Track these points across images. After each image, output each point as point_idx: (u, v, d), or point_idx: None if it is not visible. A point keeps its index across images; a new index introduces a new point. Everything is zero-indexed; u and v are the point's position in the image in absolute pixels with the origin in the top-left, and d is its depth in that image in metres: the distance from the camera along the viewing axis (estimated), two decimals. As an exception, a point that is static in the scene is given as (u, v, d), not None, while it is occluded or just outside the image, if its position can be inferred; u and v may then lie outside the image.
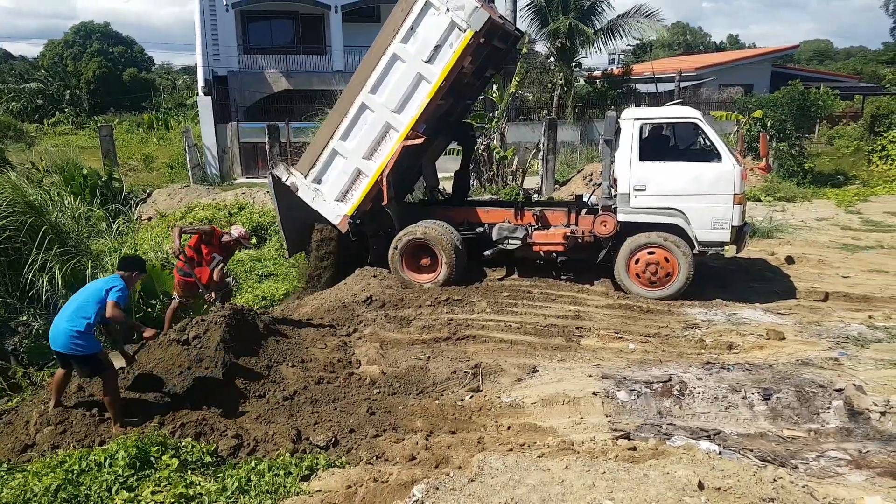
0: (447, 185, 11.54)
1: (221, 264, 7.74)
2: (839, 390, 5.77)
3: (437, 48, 8.50)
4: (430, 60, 8.57)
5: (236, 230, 7.92)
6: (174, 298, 7.83)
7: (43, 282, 7.78)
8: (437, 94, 8.67)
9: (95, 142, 23.07)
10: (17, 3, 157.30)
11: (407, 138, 8.82)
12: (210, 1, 25.05)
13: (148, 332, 5.70)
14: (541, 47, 28.97)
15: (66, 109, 41.63)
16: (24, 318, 7.66)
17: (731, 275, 9.96)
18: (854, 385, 5.82)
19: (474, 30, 8.28)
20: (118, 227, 10.58)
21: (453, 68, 8.52)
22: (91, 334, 5.47)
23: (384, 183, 8.96)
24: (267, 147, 20.26)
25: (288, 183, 9.39)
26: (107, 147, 18.98)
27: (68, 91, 44.46)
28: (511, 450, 5.05)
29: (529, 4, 26.49)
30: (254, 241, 11.78)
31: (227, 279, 9.65)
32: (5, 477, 4.77)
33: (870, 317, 7.98)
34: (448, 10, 8.32)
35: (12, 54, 57.23)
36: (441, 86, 8.59)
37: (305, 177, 9.31)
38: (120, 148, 23.04)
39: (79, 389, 6.03)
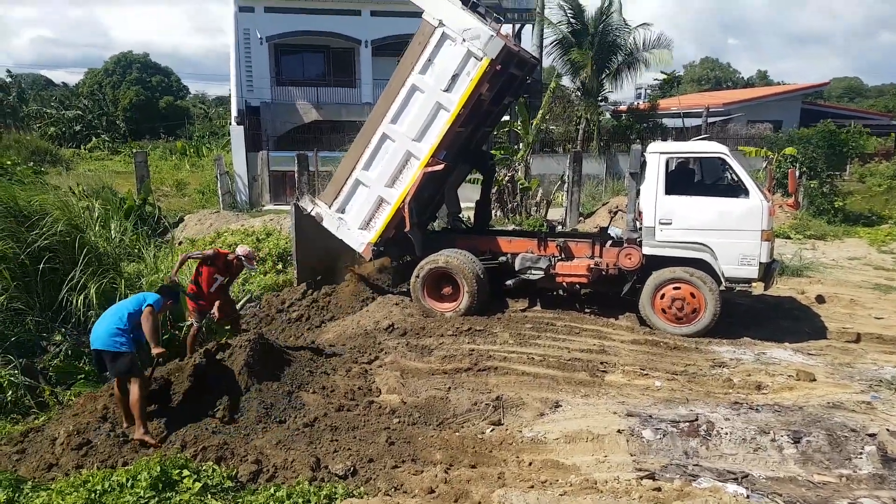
0: (470, 215, 11.59)
1: (222, 284, 7.87)
2: (872, 435, 5.59)
3: (455, 77, 8.66)
4: (448, 89, 8.72)
5: (241, 249, 8.05)
6: (190, 324, 7.97)
7: (77, 301, 7.94)
8: (456, 122, 8.81)
9: (130, 167, 23.68)
10: (57, 33, 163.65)
11: (428, 165, 8.95)
12: (245, 34, 25.79)
13: (156, 350, 5.95)
14: (567, 81, 29.20)
15: (102, 135, 42.83)
16: (58, 337, 7.80)
17: (759, 313, 9.77)
18: (888, 430, 5.64)
19: (490, 58, 8.42)
20: (152, 250, 10.81)
21: (471, 96, 8.66)
22: (130, 334, 5.88)
23: (406, 210, 9.06)
24: (296, 175, 20.59)
25: (313, 213, 9.56)
26: (141, 172, 19.46)
27: (105, 117, 45.81)
28: (532, 487, 4.97)
29: (555, 41, 26.84)
30: (280, 266, 11.91)
31: (247, 304, 9.79)
32: (30, 495, 4.83)
33: (904, 359, 7.77)
34: (464, 40, 8.49)
35: (53, 81, 59.42)
36: (460, 113, 8.73)
37: (330, 207, 9.47)
38: (153, 173, 23.58)
39: (105, 409, 6.11)
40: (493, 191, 15.20)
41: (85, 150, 39.26)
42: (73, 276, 8.13)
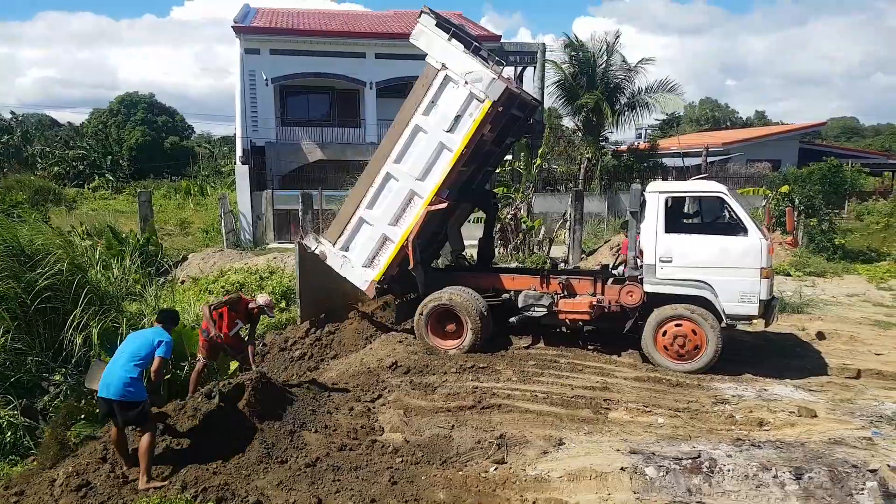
0: (473, 253, 11.69)
1: (240, 328, 7.91)
2: (873, 471, 5.58)
3: (458, 118, 8.86)
4: (450, 130, 8.91)
5: (262, 299, 8.09)
6: (198, 360, 7.95)
7: (78, 342, 7.93)
8: (459, 162, 8.98)
9: (134, 206, 23.89)
10: (63, 73, 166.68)
11: (431, 203, 9.08)
12: (251, 76, 26.28)
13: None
14: (568, 122, 29.70)
15: (106, 174, 43.25)
16: (57, 377, 7.79)
17: (760, 349, 9.78)
18: (889, 466, 5.62)
19: (492, 100, 8.62)
20: (155, 289, 10.85)
21: (473, 136, 8.84)
22: (141, 381, 5.77)
23: (410, 248, 9.16)
24: (300, 214, 20.79)
25: (317, 252, 9.65)
26: (145, 212, 19.66)
27: (110, 157, 46.33)
28: (535, 524, 4.94)
29: (556, 82, 27.37)
30: (283, 304, 11.97)
31: (257, 343, 9.79)
32: (29, 536, 4.79)
33: (906, 396, 7.75)
34: (466, 82, 8.71)
35: (58, 121, 60.26)
36: (462, 153, 8.90)
37: (334, 245, 9.58)
38: (157, 213, 23.81)
39: (104, 450, 6.10)
40: (496, 229, 15.32)
41: (88, 189, 39.58)
42: (74, 315, 8.10)
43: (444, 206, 9.24)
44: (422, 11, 9.05)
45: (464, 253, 11.43)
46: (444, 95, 8.93)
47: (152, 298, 10.35)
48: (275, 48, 26.37)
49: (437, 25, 8.91)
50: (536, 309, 9.38)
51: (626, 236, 10.74)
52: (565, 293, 9.42)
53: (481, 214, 12.42)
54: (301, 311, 10.36)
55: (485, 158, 10.46)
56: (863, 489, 5.44)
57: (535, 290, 9.54)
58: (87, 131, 53.05)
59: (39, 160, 43.96)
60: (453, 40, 8.81)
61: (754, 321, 8.61)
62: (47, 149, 45.38)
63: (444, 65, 8.83)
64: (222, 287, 12.59)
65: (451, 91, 8.88)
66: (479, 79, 8.63)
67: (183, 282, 14.41)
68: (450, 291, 9.37)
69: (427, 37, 8.94)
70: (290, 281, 12.70)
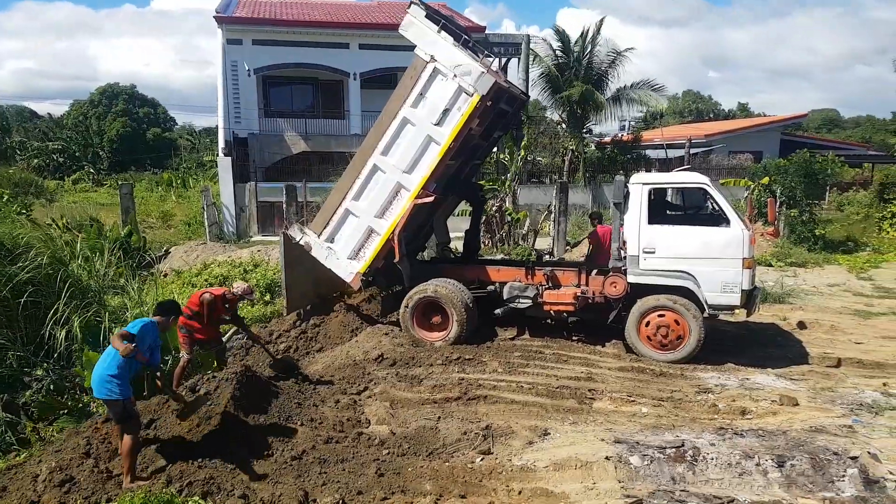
0: (458, 245, 11.69)
1: (223, 318, 7.97)
2: (854, 458, 5.67)
3: (446, 112, 8.83)
4: (439, 123, 8.89)
5: (238, 287, 8.12)
6: (182, 356, 7.92)
7: (60, 336, 7.85)
8: (447, 155, 8.96)
9: (115, 199, 23.63)
10: (42, 65, 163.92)
11: (418, 196, 9.06)
12: (233, 67, 26.02)
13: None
14: (552, 114, 29.77)
15: (87, 167, 42.70)
16: (39, 372, 7.71)
17: (742, 339, 9.89)
18: (869, 453, 5.73)
19: (481, 94, 8.60)
20: (137, 282, 10.75)
21: (461, 130, 8.82)
22: (124, 379, 5.56)
23: (396, 241, 9.13)
24: (284, 206, 20.66)
25: (302, 242, 9.59)
26: (126, 204, 19.42)
27: (90, 149, 45.74)
28: (521, 514, 4.98)
29: (542, 74, 27.40)
30: (267, 297, 11.91)
31: (234, 336, 9.77)
32: (12, 532, 4.74)
33: (884, 384, 7.88)
34: (455, 76, 8.67)
35: (37, 113, 59.32)
36: (450, 146, 8.88)
37: (319, 236, 9.52)
38: (139, 205, 23.51)
39: (88, 445, 6.05)
40: (482, 221, 15.33)
41: (69, 181, 39.06)
42: (56, 309, 8.01)
43: (430, 199, 9.23)
44: (411, 2, 8.98)
45: (449, 245, 11.43)
46: (432, 88, 8.88)
47: (134, 292, 10.24)
48: (257, 38, 26.11)
49: (426, 17, 8.85)
50: (521, 300, 9.41)
51: (594, 227, 10.87)
52: (550, 284, 9.46)
53: (467, 207, 12.41)
54: (287, 303, 10.31)
55: (472, 152, 10.45)
56: (844, 476, 5.53)
57: (520, 281, 9.58)
58: (67, 123, 52.31)
59: (18, 152, 43.30)
60: (443, 32, 8.76)
61: (736, 311, 8.70)
62: (26, 141, 44.66)
63: (432, 57, 8.78)
64: (206, 280, 12.50)
65: (439, 84, 8.83)
66: (468, 72, 8.59)
67: (166, 275, 14.28)
68: (435, 283, 9.36)
69: (416, 28, 8.87)
70: (274, 273, 12.63)
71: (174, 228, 23.80)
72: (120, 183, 22.97)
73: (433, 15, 8.95)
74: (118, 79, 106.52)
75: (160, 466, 5.71)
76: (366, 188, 9.32)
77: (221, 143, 25.79)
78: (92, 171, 42.27)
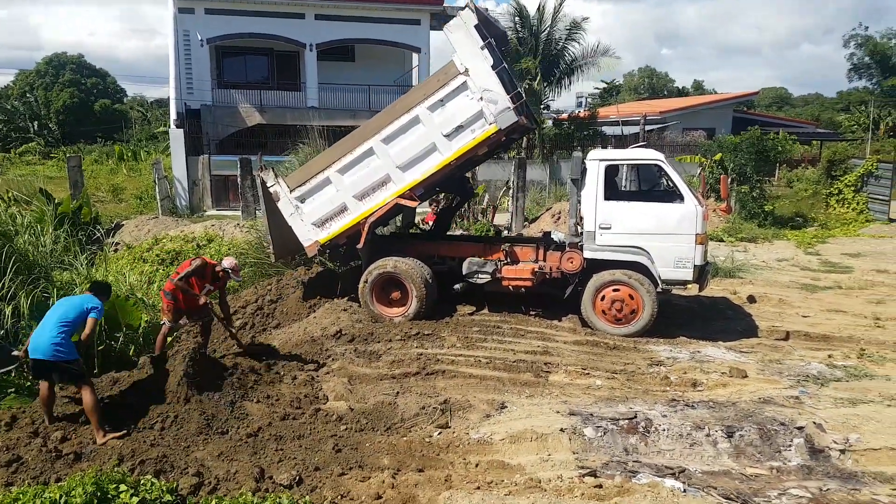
0: (419, 220, 11.64)
1: (210, 291, 7.76)
2: (800, 428, 5.89)
3: (460, 128, 8.65)
4: (449, 136, 8.71)
5: (227, 262, 7.93)
6: (164, 323, 7.78)
7: (7, 312, 7.62)
8: (445, 169, 8.87)
9: (63, 172, 22.74)
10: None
11: (402, 196, 8.96)
12: (185, 36, 25.14)
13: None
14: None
15: (34, 139, 41.03)
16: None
17: (694, 313, 10.14)
18: (814, 423, 5.95)
19: (499, 127, 8.46)
20: (86, 257, 10.43)
21: (468, 151, 8.74)
22: (71, 343, 5.84)
23: (365, 228, 9.04)
24: (239, 180, 20.22)
25: (271, 189, 9.37)
26: (75, 178, 18.73)
27: (37, 120, 43.90)
28: (478, 488, 5.03)
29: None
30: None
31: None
32: (-46, 516, 4.59)
33: (829, 356, 8.18)
34: (482, 98, 8.46)
35: (-23, 84, 56.41)
36: (451, 163, 8.78)
37: (291, 192, 9.29)
38: (88, 179, 22.74)
39: (35, 424, 5.88)
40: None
41: (15, 154, 37.53)
42: (2, 285, 7.84)
43: (413, 204, 9.25)
44: (466, 5, 8.59)
45: (414, 223, 11.35)
46: (455, 100, 8.64)
47: (84, 267, 9.93)
48: (210, 7, 25.25)
49: (475, 27, 8.45)
50: (480, 276, 9.43)
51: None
52: (508, 260, 9.50)
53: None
54: (273, 251, 10.03)
55: (470, 163, 10.30)
56: (790, 446, 5.74)
57: (479, 257, 9.59)
58: (11, 94, 49.96)
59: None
60: (485, 50, 8.41)
61: (689, 286, 8.89)
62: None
63: (467, 70, 8.48)
64: (157, 255, 12.20)
65: (463, 99, 8.60)
66: (495, 101, 8.40)
67: (116, 250, 13.88)
68: (395, 259, 9.31)
69: (462, 34, 8.48)
70: (228, 249, 12.38)
71: (125, 202, 23.15)
72: (68, 156, 22.06)
73: (483, 27, 8.57)
74: (63, 48, 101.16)
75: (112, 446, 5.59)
76: (355, 166, 9.09)
77: (173, 115, 25.00)
78: (40, 143, 40.62)
